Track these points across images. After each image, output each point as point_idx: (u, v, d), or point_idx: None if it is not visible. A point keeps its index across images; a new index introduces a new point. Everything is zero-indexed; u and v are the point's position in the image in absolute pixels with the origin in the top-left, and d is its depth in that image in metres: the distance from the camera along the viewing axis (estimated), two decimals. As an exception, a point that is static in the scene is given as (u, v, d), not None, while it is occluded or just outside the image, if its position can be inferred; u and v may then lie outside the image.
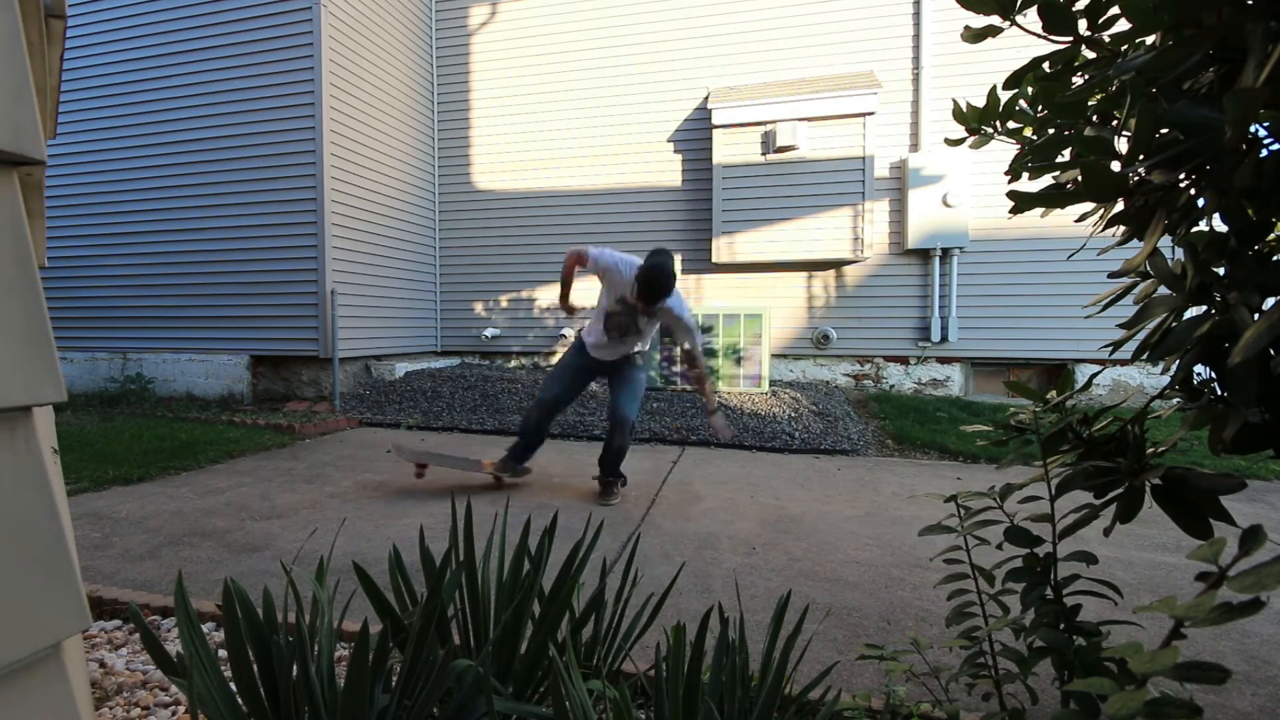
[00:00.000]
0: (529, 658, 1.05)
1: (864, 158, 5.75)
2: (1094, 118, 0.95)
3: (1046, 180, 1.05)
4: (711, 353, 5.79)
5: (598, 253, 2.98)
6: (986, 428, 1.17)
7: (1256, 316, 0.68)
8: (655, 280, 2.74)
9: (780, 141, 5.84)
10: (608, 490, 3.12)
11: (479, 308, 7.20)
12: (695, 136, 6.47)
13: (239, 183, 5.65)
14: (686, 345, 3.01)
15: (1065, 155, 1.00)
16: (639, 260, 2.89)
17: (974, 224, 5.82)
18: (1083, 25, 0.88)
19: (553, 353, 6.99)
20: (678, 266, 2.79)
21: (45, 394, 0.55)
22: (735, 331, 5.75)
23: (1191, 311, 0.81)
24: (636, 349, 3.11)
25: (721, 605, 1.30)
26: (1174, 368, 0.88)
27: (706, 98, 6.33)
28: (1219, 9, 0.68)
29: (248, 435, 4.43)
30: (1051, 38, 0.90)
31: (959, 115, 1.16)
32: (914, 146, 6.01)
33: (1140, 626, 1.05)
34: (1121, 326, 0.93)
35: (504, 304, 7.11)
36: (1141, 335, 0.90)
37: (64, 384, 0.57)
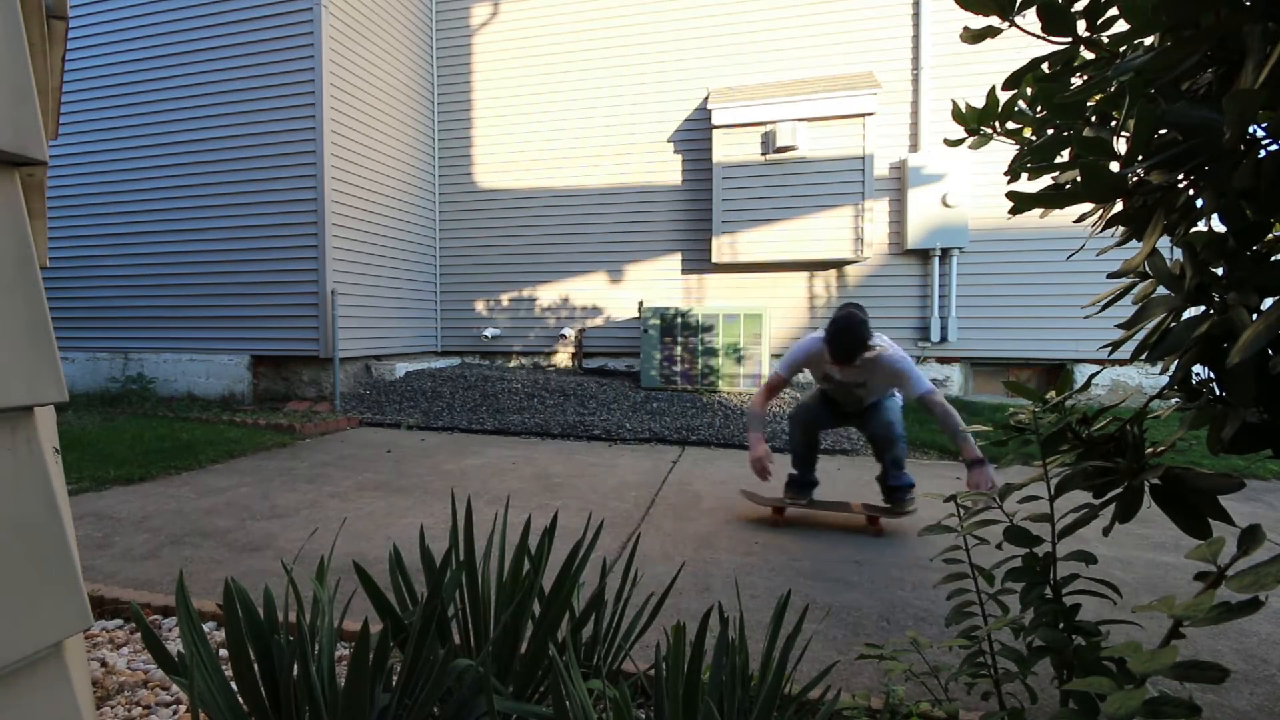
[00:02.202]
0: (529, 657, 1.05)
1: (864, 158, 5.75)
2: (1093, 118, 0.95)
3: (1046, 181, 1.05)
4: (712, 352, 5.79)
5: (783, 361, 2.79)
6: (986, 428, 1.18)
7: (1255, 317, 0.68)
8: (841, 333, 2.47)
9: (780, 142, 5.84)
10: (897, 502, 2.81)
11: (479, 307, 7.20)
12: (695, 136, 6.47)
13: (240, 182, 5.65)
14: (912, 395, 2.60)
15: (1064, 156, 1.00)
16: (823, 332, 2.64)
17: (974, 224, 5.82)
18: (1081, 26, 0.88)
19: (554, 352, 6.99)
20: (854, 331, 2.49)
21: (47, 394, 0.55)
22: (735, 331, 5.75)
23: (1190, 312, 0.81)
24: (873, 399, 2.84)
25: (721, 605, 1.30)
26: (1173, 368, 0.88)
27: (706, 98, 6.33)
28: (1217, 10, 0.68)
29: (248, 435, 4.43)
30: (1050, 38, 0.90)
31: (958, 116, 1.16)
32: (914, 147, 6.01)
33: (1139, 626, 1.06)
34: (1120, 327, 0.94)
35: (504, 304, 7.11)
36: (1140, 335, 0.90)
37: (65, 384, 0.57)
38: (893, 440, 2.76)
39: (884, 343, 2.62)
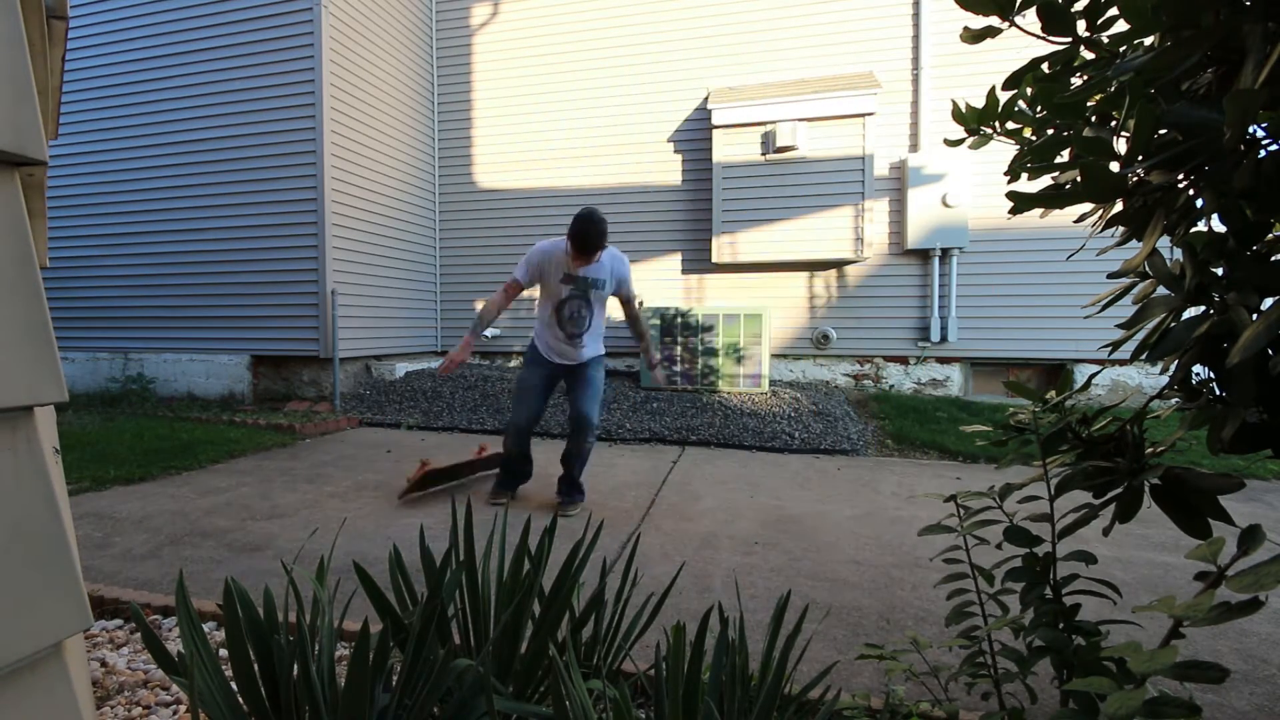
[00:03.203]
0: (529, 657, 1.05)
1: (864, 158, 5.75)
2: (1093, 118, 0.95)
3: (1046, 181, 1.05)
4: (712, 352, 5.79)
5: (521, 266, 2.90)
6: (986, 428, 1.18)
7: (1255, 317, 0.68)
8: (586, 226, 2.68)
9: (780, 142, 5.84)
10: (569, 497, 2.95)
11: (480, 307, 7.19)
12: (695, 136, 6.47)
13: (240, 182, 5.65)
14: (630, 291, 3.02)
15: (1064, 156, 1.00)
16: (557, 238, 2.88)
17: (974, 224, 5.82)
18: (1081, 26, 0.88)
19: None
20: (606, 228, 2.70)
21: (47, 394, 0.55)
22: (735, 331, 5.75)
23: (1190, 312, 0.81)
24: (589, 334, 3.00)
25: (721, 605, 1.30)
26: (1173, 368, 0.88)
27: (706, 98, 6.33)
28: (1217, 10, 0.68)
29: (248, 435, 4.43)
30: (1050, 38, 0.90)
31: (958, 116, 1.16)
32: (914, 147, 6.01)
33: (1139, 626, 1.06)
34: (1120, 327, 0.94)
35: (504, 304, 7.10)
36: (1140, 335, 0.90)
37: (65, 384, 0.57)
38: (588, 425, 2.88)
39: (614, 250, 2.93)
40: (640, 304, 2.97)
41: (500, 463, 3.09)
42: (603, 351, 3.14)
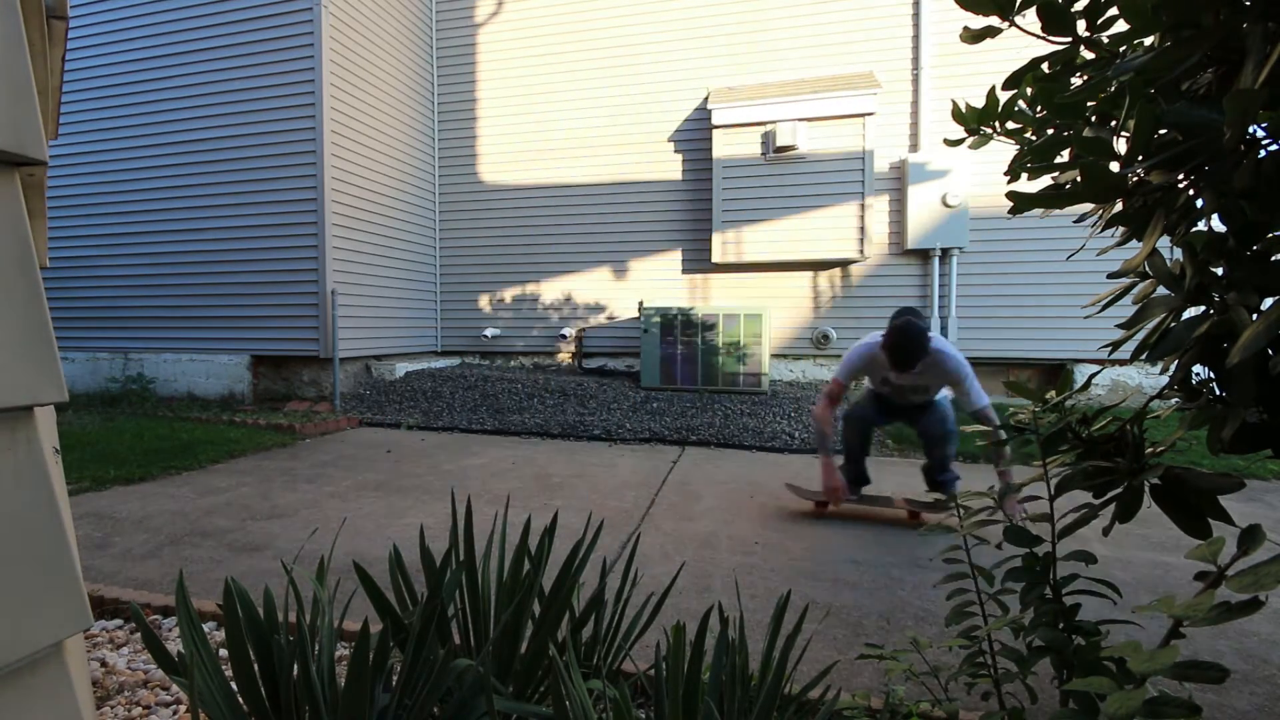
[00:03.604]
0: (529, 657, 1.05)
1: (864, 157, 5.75)
2: (1093, 118, 0.95)
3: (1046, 181, 1.05)
4: (712, 351, 5.79)
5: (841, 368, 2.81)
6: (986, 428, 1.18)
7: (1255, 317, 0.68)
8: (901, 343, 2.49)
9: (780, 142, 5.84)
10: (942, 490, 2.90)
11: (479, 307, 7.20)
12: (695, 136, 6.47)
13: (240, 182, 5.65)
14: (970, 407, 2.65)
15: (1064, 156, 1.00)
16: (878, 335, 2.69)
17: (974, 224, 5.82)
18: (1081, 26, 0.88)
19: (554, 352, 6.99)
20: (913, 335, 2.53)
21: (47, 394, 0.55)
22: (735, 331, 5.75)
23: (1190, 312, 0.81)
24: (930, 398, 2.87)
25: (721, 604, 1.30)
26: (1173, 368, 0.88)
27: (706, 97, 6.33)
28: (1217, 10, 0.68)
29: (248, 435, 4.43)
30: (1050, 38, 0.90)
31: (958, 116, 1.16)
32: (913, 146, 6.01)
33: (1139, 626, 1.06)
34: (1120, 327, 0.94)
35: (505, 303, 7.11)
36: (1140, 335, 0.90)
37: (65, 384, 0.57)
38: (946, 437, 2.80)
39: (942, 344, 2.64)
40: (979, 412, 2.61)
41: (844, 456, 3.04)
42: (949, 410, 2.87)
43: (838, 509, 2.95)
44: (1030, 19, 0.88)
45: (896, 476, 3.70)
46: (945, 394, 2.90)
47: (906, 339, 2.49)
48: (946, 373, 2.65)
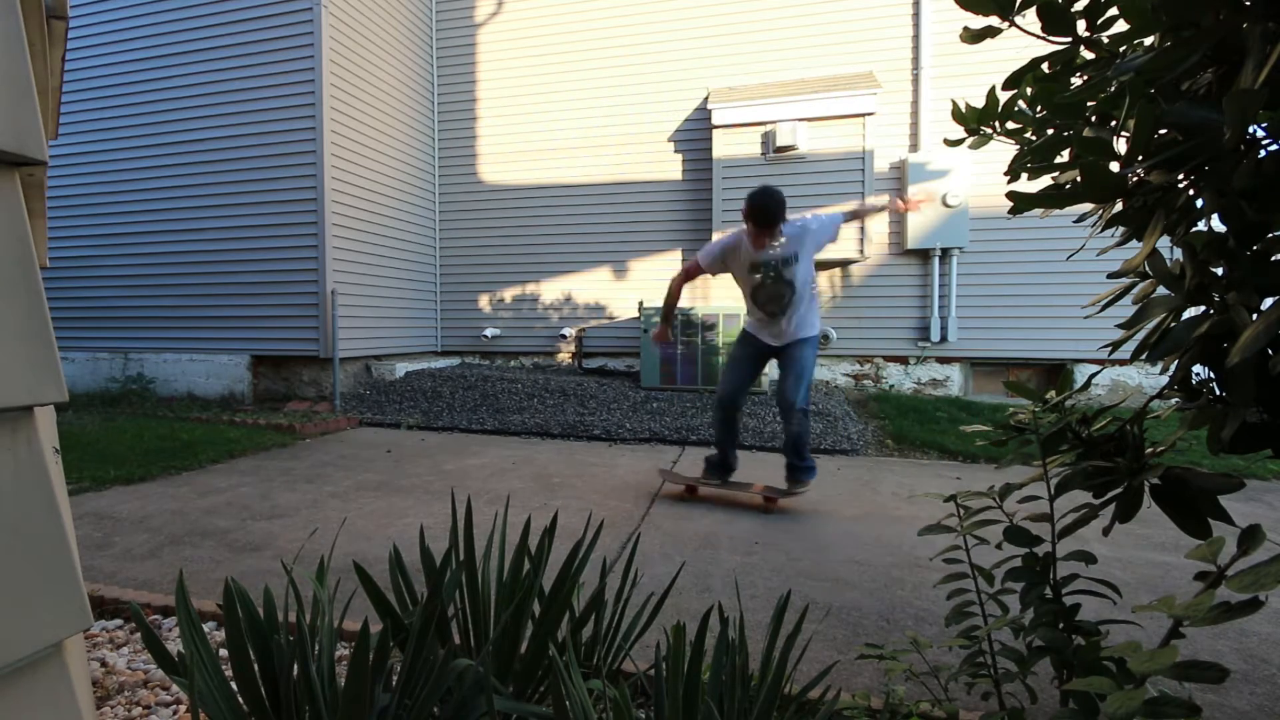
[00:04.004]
0: (529, 657, 1.05)
1: (864, 157, 5.75)
2: (1093, 118, 0.95)
3: (1046, 181, 1.05)
4: (713, 350, 5.79)
5: (704, 252, 2.93)
6: (986, 428, 1.18)
7: (1255, 317, 0.68)
8: (761, 203, 2.64)
9: (780, 142, 5.84)
10: (794, 479, 2.98)
11: (480, 307, 7.20)
12: (695, 136, 6.47)
13: (240, 182, 5.66)
14: (837, 219, 2.92)
15: (1064, 156, 1.00)
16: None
17: (974, 224, 5.82)
18: (1081, 26, 0.88)
19: (554, 352, 6.99)
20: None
21: (47, 394, 0.55)
22: (735, 331, 5.75)
23: (1190, 312, 0.81)
24: (794, 310, 2.90)
25: (721, 605, 1.30)
26: (1173, 368, 0.88)
27: (706, 97, 6.33)
28: (1217, 10, 0.68)
29: (248, 435, 4.43)
30: (1050, 38, 0.90)
31: (958, 116, 1.16)
32: (914, 146, 6.01)
33: (1139, 626, 1.06)
34: (1121, 326, 0.94)
35: (505, 303, 7.11)
36: (1140, 335, 0.90)
37: (65, 384, 0.57)
38: (790, 410, 2.89)
39: (796, 219, 2.87)
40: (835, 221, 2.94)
41: (714, 444, 3.16)
42: (816, 331, 2.98)
43: (706, 494, 3.17)
44: (1030, 19, 0.88)
45: (896, 476, 3.70)
46: (814, 343, 2.99)
47: (768, 195, 2.66)
48: (806, 232, 2.82)
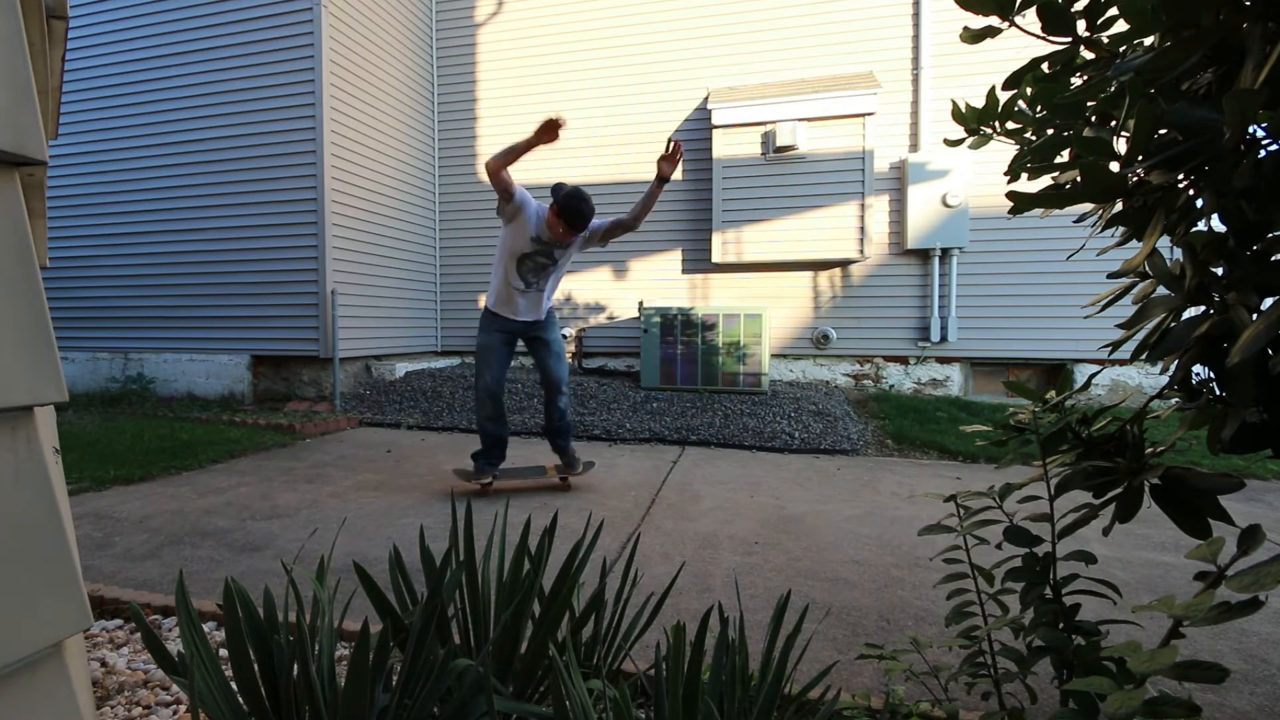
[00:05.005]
0: (529, 657, 1.05)
1: (864, 157, 5.75)
2: (1093, 118, 0.95)
3: (1046, 181, 1.05)
4: (712, 351, 5.79)
5: (521, 192, 2.95)
6: (986, 428, 1.18)
7: (1255, 316, 0.68)
8: (579, 209, 2.80)
9: (780, 142, 5.84)
10: (570, 461, 3.23)
11: (480, 307, 7.20)
12: (695, 135, 6.47)
13: (240, 182, 5.65)
14: (603, 224, 3.06)
15: (1064, 156, 1.00)
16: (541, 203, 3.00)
17: (974, 224, 5.82)
18: (1081, 26, 0.88)
19: (553, 352, 6.98)
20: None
21: (47, 394, 0.55)
22: (735, 331, 5.75)
23: (1190, 312, 0.81)
24: (548, 289, 3.10)
25: (721, 605, 1.30)
26: (1173, 368, 0.88)
27: (707, 97, 6.33)
28: (1217, 10, 0.68)
29: (248, 435, 4.43)
30: (1050, 38, 0.90)
31: (958, 116, 1.16)
32: (914, 146, 6.01)
33: (1139, 626, 1.06)
34: (1121, 327, 0.94)
35: (504, 304, 7.10)
36: (1140, 335, 0.90)
37: (65, 384, 0.57)
38: (561, 386, 3.12)
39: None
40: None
41: (481, 437, 3.18)
42: (555, 317, 3.25)
43: (502, 487, 3.20)
44: (1030, 19, 0.88)
45: (896, 476, 3.70)
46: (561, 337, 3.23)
47: (586, 204, 2.82)
48: (589, 231, 2.99)
